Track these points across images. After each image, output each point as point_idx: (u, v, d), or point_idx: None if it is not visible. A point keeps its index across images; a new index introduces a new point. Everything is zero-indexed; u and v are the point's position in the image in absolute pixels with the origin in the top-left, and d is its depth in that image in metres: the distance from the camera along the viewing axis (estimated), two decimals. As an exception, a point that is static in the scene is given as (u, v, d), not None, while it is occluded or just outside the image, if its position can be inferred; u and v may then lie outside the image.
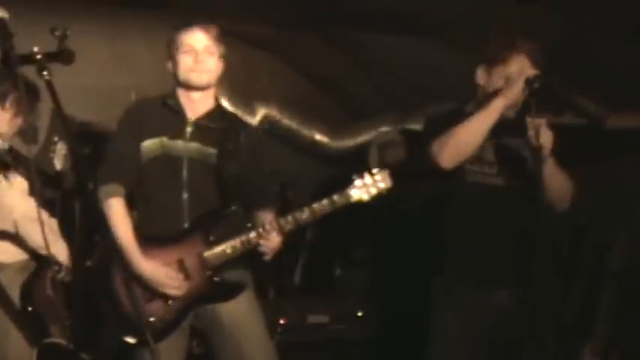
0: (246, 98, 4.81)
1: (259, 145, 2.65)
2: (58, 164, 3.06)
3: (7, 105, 2.71)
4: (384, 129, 4.88)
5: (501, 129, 2.51)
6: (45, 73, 1.66)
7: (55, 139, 3.05)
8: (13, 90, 2.68)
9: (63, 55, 1.73)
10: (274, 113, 4.99)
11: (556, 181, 2.49)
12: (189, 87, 2.51)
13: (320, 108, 5.17)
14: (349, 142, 5.03)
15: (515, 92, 2.44)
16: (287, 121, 4.93)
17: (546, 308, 2.63)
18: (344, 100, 5.26)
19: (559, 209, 2.58)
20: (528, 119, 2.40)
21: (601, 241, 4.01)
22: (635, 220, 3.96)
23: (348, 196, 2.48)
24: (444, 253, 2.65)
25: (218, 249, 2.44)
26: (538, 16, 3.53)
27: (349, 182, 2.50)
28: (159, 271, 2.38)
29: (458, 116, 2.55)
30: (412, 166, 4.36)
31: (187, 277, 2.42)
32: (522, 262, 2.50)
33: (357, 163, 5.10)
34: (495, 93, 2.51)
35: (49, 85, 1.65)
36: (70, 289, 2.80)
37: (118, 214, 2.40)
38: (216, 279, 2.44)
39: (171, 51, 2.50)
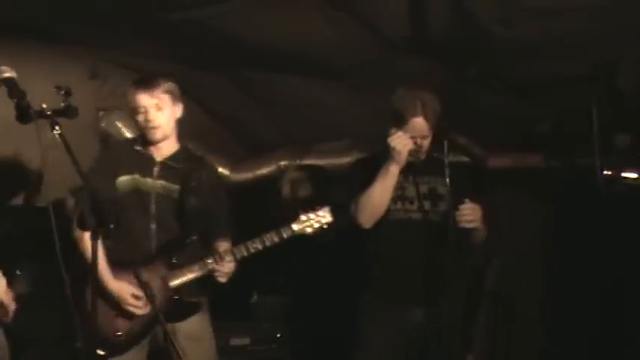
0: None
1: (219, 182, 2.95)
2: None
3: None
4: (282, 163, 5.21)
5: (418, 170, 2.94)
6: (57, 127, 1.85)
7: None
8: None
9: (68, 111, 1.90)
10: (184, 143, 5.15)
11: (479, 234, 2.94)
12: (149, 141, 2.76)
13: (221, 143, 5.39)
14: (248, 175, 5.25)
15: (402, 160, 2.84)
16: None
17: (452, 324, 3.02)
18: (243, 136, 5.50)
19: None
20: (460, 207, 2.79)
21: (478, 265, 4.55)
22: (505, 247, 4.55)
23: (294, 230, 2.82)
24: (367, 276, 3.01)
25: (179, 272, 2.71)
26: (427, 68, 4.00)
27: (295, 217, 2.82)
28: (125, 290, 2.60)
29: (369, 171, 2.91)
30: (324, 201, 4.73)
31: (151, 296, 2.63)
32: (432, 284, 2.89)
33: (255, 195, 5.39)
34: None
35: (62, 138, 1.84)
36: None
37: (88, 246, 2.50)
38: (176, 298, 2.69)
39: (132, 108, 2.78)
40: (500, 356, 4.49)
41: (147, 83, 2.76)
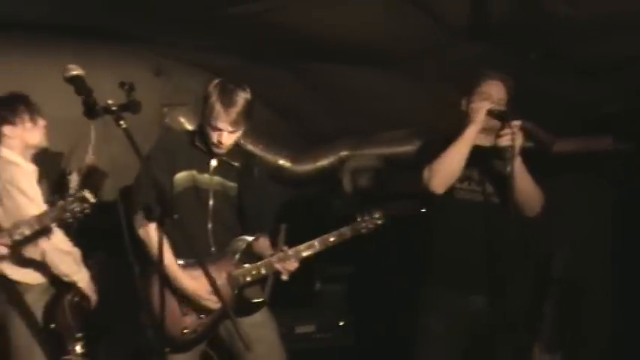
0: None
1: (268, 180, 2.98)
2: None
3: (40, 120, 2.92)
4: (343, 153, 5.22)
5: (484, 154, 2.87)
6: (122, 122, 1.92)
7: (69, 170, 3.26)
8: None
9: (132, 106, 1.96)
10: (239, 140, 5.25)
11: (524, 181, 2.80)
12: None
13: (281, 135, 5.42)
14: (309, 166, 5.31)
15: (481, 119, 2.79)
16: (251, 147, 5.10)
17: (516, 311, 2.98)
18: (303, 128, 5.54)
19: (529, 214, 2.89)
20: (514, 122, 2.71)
21: (545, 252, 4.46)
22: (572, 234, 4.44)
23: (351, 232, 2.91)
24: (428, 263, 2.99)
25: (245, 270, 2.75)
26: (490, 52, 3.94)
27: (353, 219, 2.94)
28: (200, 287, 2.65)
29: (441, 144, 2.87)
30: (386, 190, 4.73)
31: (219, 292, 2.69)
32: (495, 270, 2.83)
33: (316, 185, 5.43)
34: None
35: (127, 132, 1.90)
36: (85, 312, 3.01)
37: (155, 238, 2.56)
38: (242, 296, 2.75)
39: (203, 107, 2.71)
40: (568, 346, 4.39)
41: (229, 103, 2.66)
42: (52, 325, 2.82)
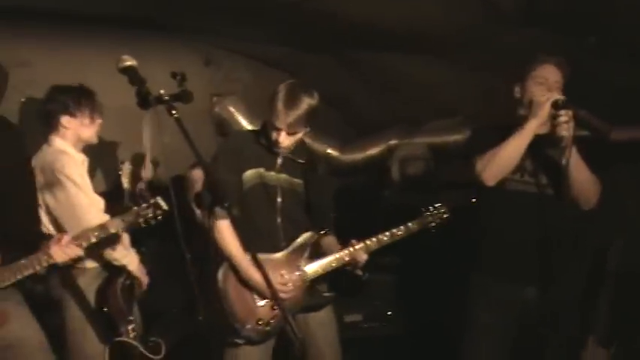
0: (261, 114, 5.09)
1: (331, 176, 3.01)
2: (125, 182, 3.36)
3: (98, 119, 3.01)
4: (392, 142, 5.18)
5: (539, 143, 2.79)
6: (174, 112, 1.95)
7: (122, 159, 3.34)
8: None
9: (184, 96, 1.99)
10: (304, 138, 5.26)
11: (580, 172, 2.71)
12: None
13: (329, 124, 5.45)
14: (358, 155, 5.29)
15: (545, 114, 2.69)
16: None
17: (569, 303, 2.92)
18: (352, 116, 5.54)
19: (585, 206, 2.80)
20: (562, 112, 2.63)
21: (601, 243, 4.34)
22: (629, 225, 4.31)
23: (420, 225, 2.99)
24: (479, 253, 2.95)
25: (317, 265, 2.80)
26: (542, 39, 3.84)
27: (419, 213, 3.00)
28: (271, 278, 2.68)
29: (492, 133, 2.82)
30: (435, 179, 4.68)
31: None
32: (547, 262, 2.77)
33: (365, 175, 5.42)
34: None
35: (179, 122, 1.93)
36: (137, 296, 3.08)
37: (227, 234, 2.69)
38: (313, 290, 2.82)
39: (270, 104, 2.73)
40: (622, 340, 4.28)
41: (291, 106, 2.66)
42: (105, 309, 2.89)
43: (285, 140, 2.71)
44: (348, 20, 4.02)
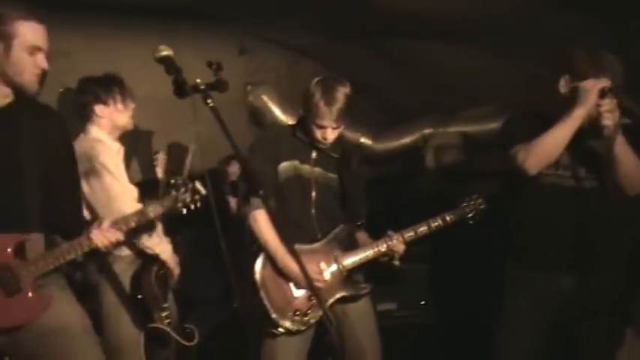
0: (294, 103, 5.04)
1: (364, 170, 3.00)
2: (160, 172, 3.39)
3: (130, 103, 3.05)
4: (426, 130, 5.15)
5: (577, 134, 2.69)
6: (209, 101, 1.95)
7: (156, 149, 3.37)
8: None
9: (219, 85, 2.00)
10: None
11: (628, 160, 2.63)
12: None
13: (362, 112, 5.44)
14: (392, 144, 5.29)
15: (592, 102, 2.60)
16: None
17: (608, 294, 2.86)
18: (386, 105, 5.52)
19: (631, 193, 2.71)
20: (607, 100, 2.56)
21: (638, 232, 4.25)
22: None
23: (457, 216, 2.98)
24: (515, 244, 2.89)
25: (353, 256, 2.81)
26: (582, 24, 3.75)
27: (455, 204, 2.99)
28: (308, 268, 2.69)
29: (530, 121, 2.76)
30: (470, 168, 4.63)
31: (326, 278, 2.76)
32: (584, 252, 2.71)
33: (398, 163, 5.39)
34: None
35: (214, 110, 1.94)
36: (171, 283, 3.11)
37: (264, 224, 2.72)
38: (350, 281, 2.81)
39: (306, 104, 2.75)
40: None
41: (331, 102, 2.70)
42: (139, 296, 2.92)
43: (331, 135, 2.76)
44: (382, 9, 3.99)
